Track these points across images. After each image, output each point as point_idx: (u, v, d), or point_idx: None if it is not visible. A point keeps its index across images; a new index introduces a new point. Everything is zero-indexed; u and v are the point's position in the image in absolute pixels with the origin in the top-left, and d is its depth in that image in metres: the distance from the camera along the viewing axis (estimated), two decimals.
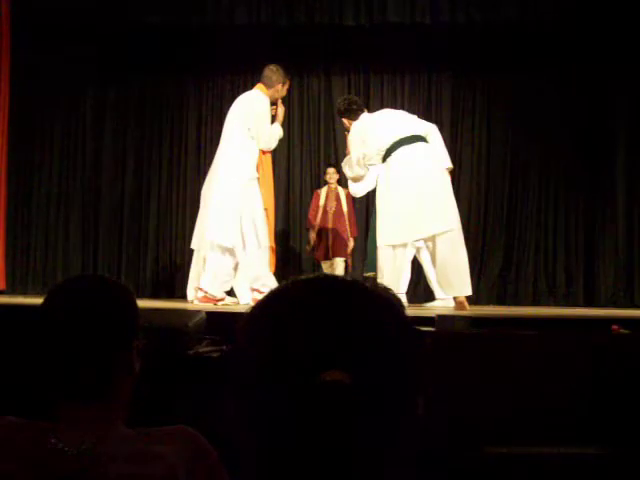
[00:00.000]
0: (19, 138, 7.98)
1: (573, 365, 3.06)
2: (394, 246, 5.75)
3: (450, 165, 6.07)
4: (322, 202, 7.72)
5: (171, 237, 8.54)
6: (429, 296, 6.64)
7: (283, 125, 6.34)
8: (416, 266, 6.60)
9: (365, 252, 7.69)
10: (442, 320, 4.26)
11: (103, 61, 8.28)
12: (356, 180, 6.34)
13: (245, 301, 5.96)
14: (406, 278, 6.35)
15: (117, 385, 1.44)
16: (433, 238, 5.70)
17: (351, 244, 7.75)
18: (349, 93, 7.95)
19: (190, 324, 3.76)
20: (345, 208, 7.70)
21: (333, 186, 7.77)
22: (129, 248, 8.54)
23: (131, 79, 8.50)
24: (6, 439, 1.37)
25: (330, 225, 7.67)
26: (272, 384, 0.82)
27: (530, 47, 7.78)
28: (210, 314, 4.18)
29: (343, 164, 6.33)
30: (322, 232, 7.70)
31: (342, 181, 7.39)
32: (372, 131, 5.91)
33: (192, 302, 6.06)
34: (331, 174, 7.77)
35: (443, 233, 5.64)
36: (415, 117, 6.09)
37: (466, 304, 5.69)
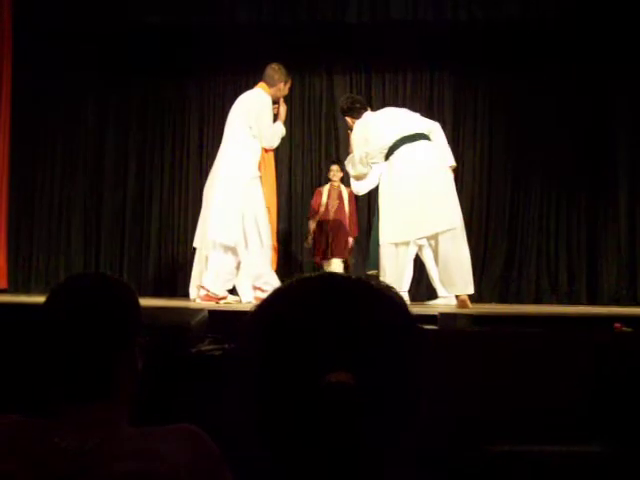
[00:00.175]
0: (22, 138, 7.98)
1: (575, 363, 3.05)
2: (396, 244, 5.74)
3: (453, 163, 6.06)
4: (324, 200, 7.70)
5: (173, 235, 8.54)
6: (431, 294, 6.64)
7: (285, 124, 6.34)
8: (418, 264, 6.60)
9: (365, 251, 7.68)
10: (445, 318, 4.25)
11: (104, 63, 8.28)
12: (359, 178, 6.34)
13: (247, 299, 5.96)
14: (408, 276, 6.35)
15: (119, 383, 1.44)
16: (436, 236, 5.69)
17: (350, 244, 7.73)
18: (351, 92, 7.96)
19: (192, 322, 3.76)
20: (347, 207, 7.68)
21: (336, 184, 7.75)
22: (131, 247, 8.55)
23: (132, 81, 8.49)
24: (9, 438, 1.36)
25: (330, 224, 7.64)
26: (276, 384, 0.82)
27: (532, 46, 7.77)
28: (212, 312, 4.18)
29: (346, 162, 6.32)
30: (322, 231, 7.68)
31: (345, 179, 7.38)
32: (375, 129, 5.91)
33: (194, 300, 6.06)
34: (335, 172, 7.74)
35: (446, 231, 5.63)
36: (418, 115, 6.08)
37: (468, 302, 5.68)
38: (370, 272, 6.70)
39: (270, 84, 6.12)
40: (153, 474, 1.33)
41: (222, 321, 4.12)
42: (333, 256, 7.64)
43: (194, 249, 6.39)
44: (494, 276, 8.06)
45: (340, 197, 7.69)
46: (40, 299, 1.55)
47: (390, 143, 5.77)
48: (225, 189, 5.96)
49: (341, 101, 6.58)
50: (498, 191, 8.24)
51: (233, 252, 5.99)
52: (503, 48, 7.88)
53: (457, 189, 5.97)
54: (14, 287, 7.97)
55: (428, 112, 7.69)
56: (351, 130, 6.21)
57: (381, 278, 5.61)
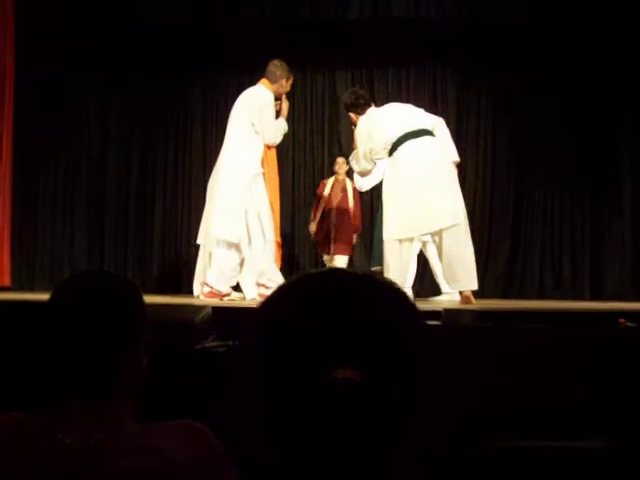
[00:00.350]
0: (25, 136, 7.98)
1: (579, 359, 3.05)
2: (400, 240, 5.73)
3: (457, 159, 6.05)
4: (327, 192, 7.67)
5: (177, 232, 8.55)
6: (435, 290, 6.64)
7: (287, 120, 6.34)
8: (422, 260, 6.60)
9: (369, 246, 7.68)
10: (449, 314, 4.26)
11: (106, 62, 8.26)
12: (363, 174, 6.34)
13: (251, 296, 5.97)
14: (412, 272, 6.35)
15: (124, 380, 1.44)
16: (439, 232, 5.68)
17: (354, 240, 7.71)
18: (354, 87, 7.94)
19: (196, 319, 3.76)
20: (351, 202, 7.65)
21: (341, 177, 7.71)
22: (135, 244, 8.56)
23: (134, 79, 8.47)
24: (12, 435, 1.37)
25: (334, 218, 7.61)
26: (280, 381, 0.82)
27: (535, 44, 7.76)
28: (216, 309, 4.19)
29: (350, 158, 6.33)
30: (323, 223, 7.65)
31: (351, 173, 7.37)
32: (379, 125, 5.89)
33: (198, 297, 6.07)
34: (340, 164, 7.72)
35: (450, 227, 5.63)
36: (422, 110, 6.06)
37: (472, 298, 5.68)
38: (374, 268, 6.70)
39: (272, 80, 6.11)
40: (156, 470, 1.33)
41: (226, 318, 4.13)
42: (335, 252, 7.61)
43: (198, 246, 6.40)
44: (498, 272, 8.06)
45: (344, 190, 7.66)
46: (44, 297, 1.55)
47: (394, 139, 5.76)
48: (228, 186, 5.96)
49: (345, 96, 6.55)
50: (502, 187, 8.24)
51: (237, 249, 5.99)
52: (506, 46, 7.86)
53: (461, 185, 5.96)
54: (18, 284, 7.98)
55: (431, 109, 7.68)
56: (355, 125, 6.20)
57: (385, 274, 5.61)
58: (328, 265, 7.56)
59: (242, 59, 8.09)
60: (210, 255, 6.08)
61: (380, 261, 6.18)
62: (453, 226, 5.64)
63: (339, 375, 0.79)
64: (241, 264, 6.06)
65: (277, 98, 6.18)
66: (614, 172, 7.86)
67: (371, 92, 8.22)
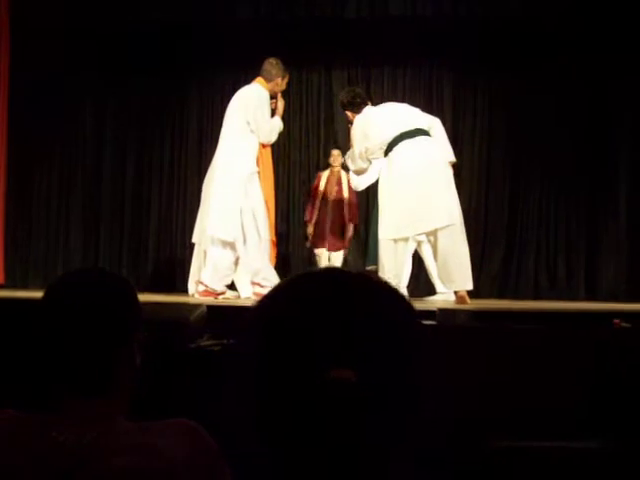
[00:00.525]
0: (20, 135, 7.97)
1: (575, 359, 3.05)
2: (395, 240, 5.73)
3: (453, 159, 6.05)
4: (322, 187, 7.64)
5: (172, 231, 8.54)
6: (430, 290, 6.63)
7: (283, 119, 6.33)
8: (417, 260, 6.60)
9: (364, 244, 7.67)
10: (443, 314, 4.26)
11: (103, 62, 8.24)
12: (358, 173, 6.35)
13: (246, 295, 5.96)
14: (407, 272, 6.34)
15: (118, 379, 1.43)
16: (435, 232, 5.68)
17: (350, 231, 7.64)
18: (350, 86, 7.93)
19: (191, 318, 3.76)
20: (346, 194, 7.59)
21: (336, 169, 7.67)
22: (130, 242, 8.55)
23: (130, 78, 8.45)
24: (7, 432, 1.36)
25: (329, 214, 7.56)
26: (275, 380, 0.81)
27: (532, 43, 7.76)
28: (211, 308, 4.19)
29: (346, 157, 6.33)
30: (319, 219, 7.61)
31: (346, 165, 7.33)
32: (374, 125, 5.89)
33: (193, 296, 6.07)
34: (335, 156, 7.68)
35: (445, 227, 5.63)
36: (418, 110, 6.06)
37: (467, 298, 5.68)
38: (369, 267, 6.70)
39: (268, 79, 6.11)
40: (151, 469, 1.33)
41: (221, 316, 4.13)
42: (330, 248, 7.57)
43: (192, 244, 6.39)
44: (493, 272, 8.06)
45: (339, 183, 7.62)
46: (38, 294, 1.54)
47: (390, 139, 5.76)
48: (224, 185, 5.96)
49: (341, 95, 6.54)
50: (497, 187, 8.24)
51: (232, 247, 5.99)
52: (504, 45, 7.86)
53: (456, 185, 5.96)
54: (12, 282, 7.97)
55: (427, 108, 7.69)
56: (351, 124, 6.19)
57: (380, 273, 5.61)
58: (320, 259, 7.54)
59: (238, 58, 8.08)
60: (205, 254, 6.07)
61: (375, 260, 6.18)
62: (448, 226, 5.64)
63: (334, 375, 0.79)
64: (236, 263, 6.06)
65: (273, 96, 6.17)
66: (610, 172, 7.86)
67: (367, 91, 8.20)
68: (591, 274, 7.87)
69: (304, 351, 0.81)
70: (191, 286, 6.22)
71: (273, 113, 6.19)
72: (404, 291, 5.78)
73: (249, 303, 5.24)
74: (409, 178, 5.63)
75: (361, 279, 0.88)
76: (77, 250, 8.45)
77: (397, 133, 5.74)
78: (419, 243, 6.31)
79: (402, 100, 7.49)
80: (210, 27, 7.84)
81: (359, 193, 7.67)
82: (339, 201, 7.59)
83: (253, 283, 5.90)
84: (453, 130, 7.99)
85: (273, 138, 6.21)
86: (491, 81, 8.28)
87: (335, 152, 7.72)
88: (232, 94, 6.34)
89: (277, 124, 6.19)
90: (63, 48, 7.96)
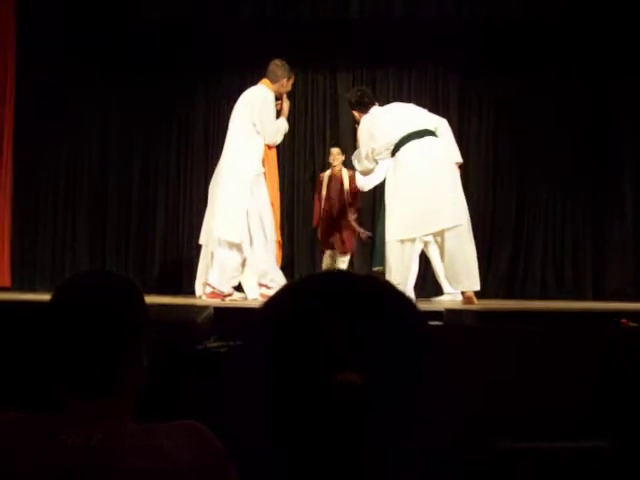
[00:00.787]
0: (25, 137, 7.99)
1: (582, 359, 3.04)
2: (402, 241, 5.72)
3: (460, 160, 6.04)
4: (324, 192, 7.57)
5: (178, 233, 8.54)
6: (437, 290, 6.63)
7: (288, 120, 6.33)
8: (423, 260, 6.59)
9: (370, 247, 7.65)
10: (450, 314, 4.25)
11: (108, 64, 8.24)
12: (365, 174, 6.34)
13: (253, 296, 5.97)
14: (414, 273, 6.34)
15: (125, 381, 1.44)
16: (442, 233, 5.68)
17: (353, 215, 7.43)
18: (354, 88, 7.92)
19: (198, 320, 3.76)
20: (347, 188, 7.46)
21: (337, 168, 7.58)
22: (137, 244, 8.55)
23: (135, 80, 8.45)
24: (13, 434, 1.36)
25: (334, 217, 7.51)
26: (282, 382, 0.81)
27: (535, 45, 7.74)
28: (218, 309, 4.20)
29: (352, 157, 6.32)
30: (325, 223, 7.56)
31: (347, 162, 7.28)
32: (381, 126, 5.88)
33: (200, 298, 6.07)
34: (335, 155, 7.57)
35: (452, 228, 5.62)
36: (425, 111, 6.06)
37: (474, 298, 5.67)
38: (375, 269, 6.69)
39: (273, 80, 6.11)
40: (157, 470, 1.33)
41: (228, 318, 4.13)
42: (339, 249, 7.50)
43: (199, 246, 6.40)
44: (500, 272, 8.05)
45: (341, 182, 7.52)
46: (45, 297, 1.54)
47: (396, 139, 5.75)
48: (230, 186, 5.97)
49: (349, 94, 6.53)
50: (504, 188, 8.23)
51: (238, 249, 5.99)
52: (508, 46, 7.85)
53: (463, 185, 5.95)
54: (19, 284, 7.99)
55: (433, 110, 7.68)
56: (358, 124, 6.19)
57: (387, 275, 5.61)
58: (329, 261, 7.50)
59: (243, 59, 8.08)
60: (212, 255, 6.08)
61: (382, 262, 6.18)
62: (455, 227, 5.63)
63: (341, 378, 0.79)
64: (243, 264, 6.06)
65: (278, 98, 6.18)
66: (616, 173, 7.85)
67: (372, 92, 8.21)
68: (598, 274, 7.86)
69: (310, 353, 0.81)
70: (198, 288, 6.23)
71: (278, 114, 6.19)
72: (411, 292, 5.78)
73: (256, 305, 5.24)
74: (416, 179, 5.63)
75: (368, 281, 0.88)
76: (84, 253, 8.46)
77: (404, 134, 5.74)
78: (426, 244, 6.30)
79: (408, 100, 7.48)
80: (215, 28, 7.84)
81: (364, 196, 7.65)
82: (343, 201, 7.55)
83: (260, 285, 5.90)
84: (459, 132, 7.98)
85: (279, 139, 6.22)
86: (496, 83, 8.26)
87: (334, 150, 7.65)
88: (238, 96, 6.34)
89: (282, 125, 6.19)
90: (66, 49, 7.97)
